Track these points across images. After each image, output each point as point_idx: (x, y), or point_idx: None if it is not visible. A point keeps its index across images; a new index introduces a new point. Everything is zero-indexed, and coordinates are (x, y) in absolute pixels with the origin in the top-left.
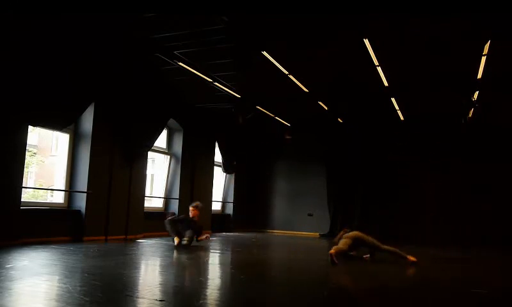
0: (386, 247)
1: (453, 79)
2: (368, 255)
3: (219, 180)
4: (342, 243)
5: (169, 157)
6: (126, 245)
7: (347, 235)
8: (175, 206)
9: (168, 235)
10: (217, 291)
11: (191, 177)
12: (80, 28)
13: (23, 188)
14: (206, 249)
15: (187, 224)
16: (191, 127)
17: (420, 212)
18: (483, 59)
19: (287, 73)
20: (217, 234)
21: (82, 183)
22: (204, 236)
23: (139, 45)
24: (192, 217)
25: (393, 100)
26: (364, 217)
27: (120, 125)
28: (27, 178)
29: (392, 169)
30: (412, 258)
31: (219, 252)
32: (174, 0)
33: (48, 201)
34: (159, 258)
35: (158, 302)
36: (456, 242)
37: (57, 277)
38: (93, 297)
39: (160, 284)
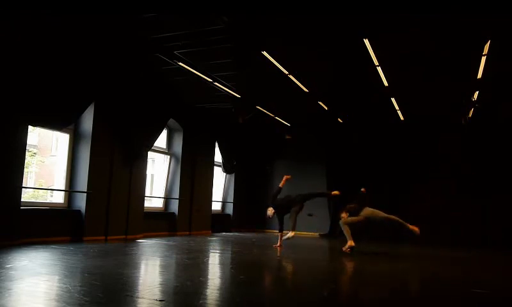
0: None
1: (453, 79)
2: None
3: (219, 180)
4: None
5: (169, 157)
6: (126, 245)
7: None
8: (175, 206)
9: (168, 235)
10: (217, 291)
11: (191, 177)
12: (81, 28)
13: (23, 188)
14: (206, 249)
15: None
16: (191, 127)
17: (419, 211)
18: (483, 59)
19: (287, 73)
20: (217, 234)
21: (82, 183)
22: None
23: (139, 45)
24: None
25: (393, 100)
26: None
27: (120, 125)
28: (27, 178)
29: (392, 169)
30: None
31: (219, 252)
32: (174, 0)
33: (48, 201)
34: (159, 258)
35: (158, 302)
36: (456, 242)
37: (57, 277)
38: (93, 297)
39: (160, 284)
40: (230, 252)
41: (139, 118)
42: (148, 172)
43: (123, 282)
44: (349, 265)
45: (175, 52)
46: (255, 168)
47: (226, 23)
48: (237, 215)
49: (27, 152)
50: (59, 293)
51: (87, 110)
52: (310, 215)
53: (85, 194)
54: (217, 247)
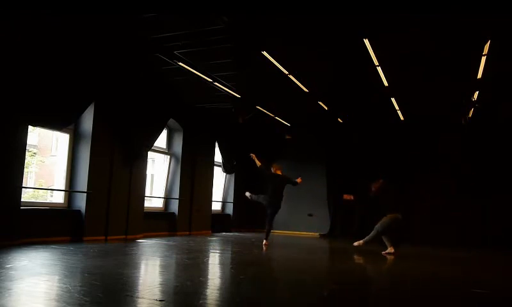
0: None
1: (453, 79)
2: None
3: (219, 180)
4: None
5: (169, 157)
6: (126, 245)
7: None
8: (175, 206)
9: (168, 235)
10: (217, 291)
11: (191, 177)
12: (81, 28)
13: (23, 188)
14: (206, 249)
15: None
16: (191, 127)
17: (419, 211)
18: (483, 59)
19: (287, 73)
20: (217, 234)
21: (82, 183)
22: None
23: (139, 45)
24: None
25: (393, 100)
26: (364, 217)
27: (120, 125)
28: (27, 178)
29: (392, 169)
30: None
31: (219, 252)
32: (174, 0)
33: (48, 201)
34: (159, 258)
35: (158, 302)
36: (456, 242)
37: (57, 277)
38: (93, 297)
39: (160, 284)
40: (230, 252)
41: (139, 118)
42: (148, 172)
43: (123, 282)
44: (349, 265)
45: (175, 52)
46: (254, 168)
47: (226, 23)
48: (237, 215)
49: (27, 152)
50: (59, 293)
51: (87, 110)
52: (310, 215)
53: (85, 194)
54: (217, 247)
